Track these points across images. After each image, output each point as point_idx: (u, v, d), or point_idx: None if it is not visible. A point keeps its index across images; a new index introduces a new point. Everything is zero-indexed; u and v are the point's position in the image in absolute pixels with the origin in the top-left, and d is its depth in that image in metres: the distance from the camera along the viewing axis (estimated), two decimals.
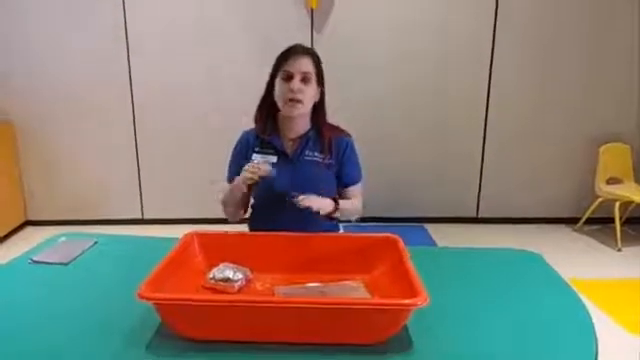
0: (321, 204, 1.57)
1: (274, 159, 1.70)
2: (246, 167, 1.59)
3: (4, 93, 3.75)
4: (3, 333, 1.19)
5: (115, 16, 3.64)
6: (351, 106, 3.69)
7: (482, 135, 3.95)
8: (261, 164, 1.58)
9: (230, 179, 1.75)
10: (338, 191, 1.76)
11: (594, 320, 1.25)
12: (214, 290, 1.33)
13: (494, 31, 3.74)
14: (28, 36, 3.66)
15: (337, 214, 1.65)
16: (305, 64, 1.63)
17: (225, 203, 1.76)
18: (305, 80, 1.63)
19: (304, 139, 1.72)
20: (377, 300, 1.23)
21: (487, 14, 3.71)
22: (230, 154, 1.81)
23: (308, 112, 1.71)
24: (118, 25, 3.66)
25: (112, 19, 3.65)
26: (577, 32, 3.75)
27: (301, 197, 1.52)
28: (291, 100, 1.62)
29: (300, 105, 1.64)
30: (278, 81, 1.65)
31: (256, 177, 1.57)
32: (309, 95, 1.65)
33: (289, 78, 1.62)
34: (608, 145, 3.78)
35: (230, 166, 1.79)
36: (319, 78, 1.68)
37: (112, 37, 3.68)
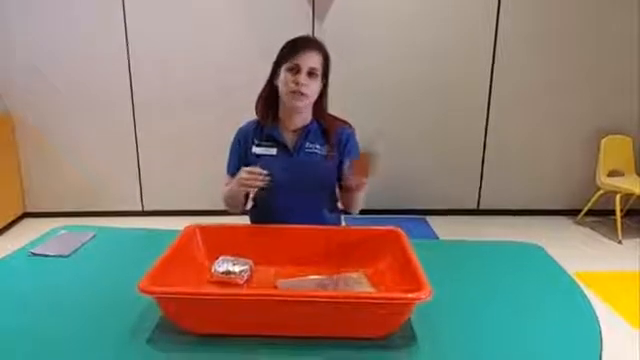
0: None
1: (274, 151, 1.69)
2: (243, 175, 1.53)
3: (3, 84, 3.72)
4: (2, 326, 1.18)
5: (115, 9, 3.60)
6: (352, 97, 3.66)
7: (484, 127, 3.93)
8: (254, 173, 1.52)
9: (232, 173, 1.72)
10: (339, 183, 1.74)
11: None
12: (221, 283, 1.32)
13: (497, 24, 3.71)
14: (27, 28, 3.62)
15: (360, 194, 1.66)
16: (315, 59, 1.61)
17: (227, 202, 1.73)
18: (311, 75, 1.60)
19: (305, 131, 1.70)
20: (381, 294, 1.22)
21: (490, 6, 3.68)
22: (229, 147, 1.78)
23: (311, 104, 1.69)
24: (117, 18, 3.62)
25: (112, 12, 3.61)
26: (579, 24, 3.73)
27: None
28: (295, 92, 1.60)
29: (304, 98, 1.62)
30: (284, 71, 1.62)
31: (253, 189, 1.57)
32: (313, 89, 1.63)
33: (296, 71, 1.59)
34: (610, 137, 3.77)
35: (230, 160, 1.77)
36: (325, 72, 1.66)
37: (111, 29, 3.65)
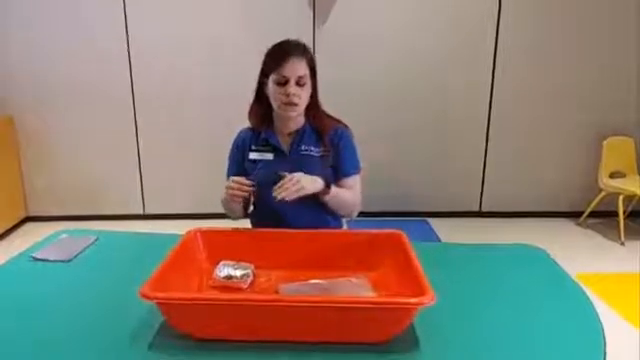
0: (307, 185, 1.52)
1: (270, 156, 1.69)
2: (228, 184, 1.56)
3: (4, 87, 3.73)
4: (3, 330, 1.17)
5: (115, 10, 3.61)
6: (353, 100, 3.66)
7: (485, 129, 3.93)
8: (239, 183, 1.55)
9: None
10: (336, 184, 1.74)
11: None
12: (222, 288, 1.32)
13: (497, 25, 3.71)
14: (28, 30, 3.63)
15: (327, 197, 1.61)
16: (301, 67, 1.59)
17: (225, 208, 1.74)
18: (300, 83, 1.59)
19: (299, 133, 1.70)
20: (383, 299, 1.22)
21: (491, 8, 3.68)
22: (228, 154, 1.79)
23: (303, 109, 1.68)
24: (118, 18, 3.62)
25: (112, 13, 3.61)
26: (581, 25, 3.72)
27: (285, 179, 1.49)
28: (287, 104, 1.60)
29: (296, 107, 1.62)
30: (272, 83, 1.61)
31: (239, 198, 1.57)
32: (304, 97, 1.63)
33: (285, 82, 1.58)
34: (612, 138, 3.75)
35: (229, 167, 1.79)
36: (313, 74, 1.64)
37: (112, 30, 3.65)
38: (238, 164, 1.74)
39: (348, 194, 1.70)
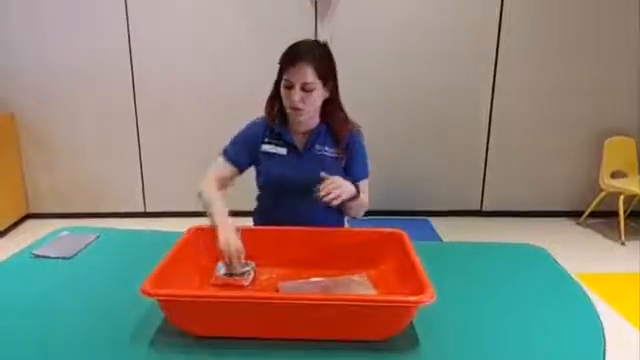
0: (345, 190, 1.51)
1: (284, 151, 1.69)
2: (227, 246, 1.35)
3: (6, 85, 3.73)
4: (4, 328, 1.18)
5: (117, 9, 3.61)
6: (354, 99, 3.65)
7: (486, 128, 3.92)
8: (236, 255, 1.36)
9: (228, 159, 1.70)
10: None
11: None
12: (223, 286, 1.32)
13: (499, 25, 3.71)
14: (29, 28, 3.63)
15: (353, 202, 1.60)
16: (306, 74, 1.55)
17: (202, 204, 1.59)
18: (306, 89, 1.57)
19: (314, 133, 1.70)
20: (383, 297, 1.22)
21: (493, 8, 3.68)
22: (236, 133, 1.74)
23: (316, 110, 1.67)
24: (120, 17, 3.63)
25: (114, 11, 3.62)
26: (583, 25, 3.72)
27: (328, 181, 1.46)
28: (292, 108, 1.60)
29: (302, 112, 1.60)
30: (282, 86, 1.61)
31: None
32: (310, 103, 1.60)
33: (290, 87, 1.57)
34: (613, 138, 3.75)
35: (231, 145, 1.73)
36: (325, 79, 1.61)
37: (114, 30, 3.66)
38: (244, 150, 1.70)
39: (364, 197, 1.69)
